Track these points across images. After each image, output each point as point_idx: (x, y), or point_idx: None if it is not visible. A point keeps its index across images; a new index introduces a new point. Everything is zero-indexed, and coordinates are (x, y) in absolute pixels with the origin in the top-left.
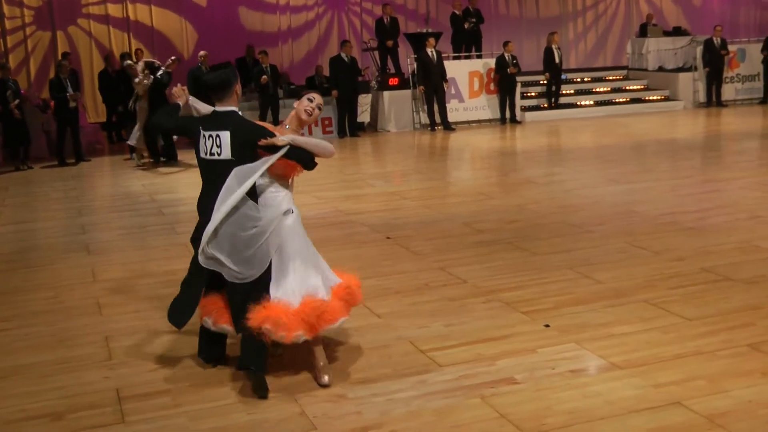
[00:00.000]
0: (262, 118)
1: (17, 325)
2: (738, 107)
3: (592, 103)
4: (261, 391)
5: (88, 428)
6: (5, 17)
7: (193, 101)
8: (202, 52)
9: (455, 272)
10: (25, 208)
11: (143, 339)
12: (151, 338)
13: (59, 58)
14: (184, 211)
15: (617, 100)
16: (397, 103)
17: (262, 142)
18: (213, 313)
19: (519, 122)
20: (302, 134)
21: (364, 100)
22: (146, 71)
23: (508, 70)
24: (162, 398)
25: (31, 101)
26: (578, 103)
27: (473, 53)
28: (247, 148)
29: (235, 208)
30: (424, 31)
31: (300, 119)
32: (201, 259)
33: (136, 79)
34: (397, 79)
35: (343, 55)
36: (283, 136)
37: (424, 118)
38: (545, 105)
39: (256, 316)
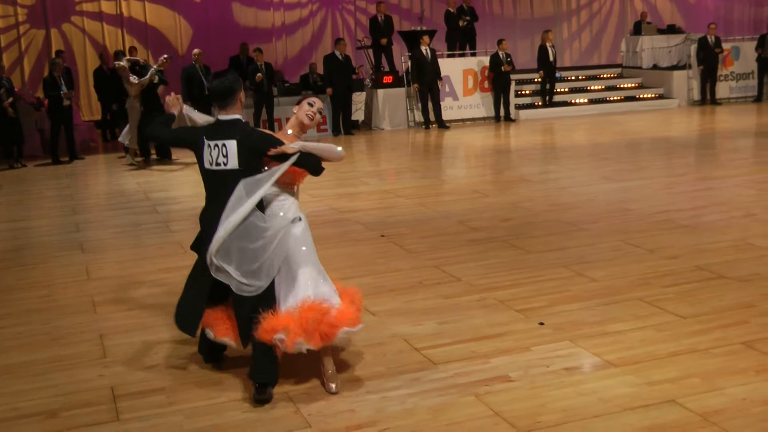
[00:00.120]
0: (257, 116)
1: (11, 324)
2: (732, 105)
3: (586, 101)
4: (263, 403)
5: (82, 426)
6: None
7: (188, 110)
8: (196, 50)
9: (449, 270)
10: (19, 207)
11: (138, 337)
12: (146, 336)
13: (53, 56)
14: (179, 210)
15: (611, 98)
16: (392, 101)
17: (272, 151)
18: (213, 326)
19: (513, 120)
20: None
21: (359, 98)
22: (133, 76)
23: (503, 68)
24: (156, 396)
25: (25, 99)
26: (572, 101)
27: (467, 51)
28: (255, 157)
29: (244, 219)
30: (419, 29)
31: (302, 124)
32: (212, 270)
33: (132, 79)
34: (391, 77)
35: (337, 53)
36: (292, 144)
37: (419, 116)
38: (539, 103)
39: (267, 328)
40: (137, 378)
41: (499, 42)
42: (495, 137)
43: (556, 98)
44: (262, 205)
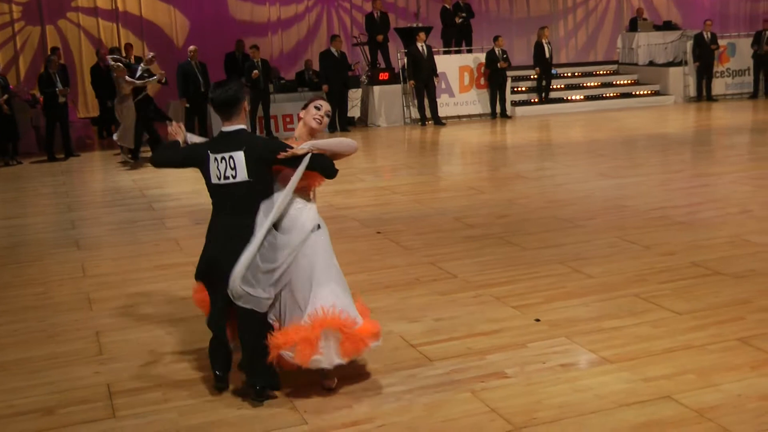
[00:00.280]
0: (253, 113)
1: (7, 321)
2: (728, 102)
3: (582, 97)
4: (259, 403)
5: (78, 423)
6: None
7: (191, 137)
8: (191, 47)
9: (445, 267)
10: (14, 204)
11: (134, 334)
12: (142, 333)
13: (48, 53)
14: (174, 207)
15: (607, 95)
16: (388, 98)
17: (282, 155)
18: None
19: (509, 117)
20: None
21: (355, 95)
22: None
23: (499, 64)
24: (152, 393)
25: (20, 96)
26: (568, 98)
27: (463, 48)
28: (264, 166)
29: (261, 243)
30: (415, 25)
31: (311, 128)
32: (239, 302)
33: (128, 78)
34: (387, 74)
35: (333, 49)
36: (303, 144)
37: (415, 113)
38: (535, 100)
39: (274, 345)
40: (133, 375)
41: (495, 38)
42: (491, 134)
43: (552, 95)
44: (280, 219)
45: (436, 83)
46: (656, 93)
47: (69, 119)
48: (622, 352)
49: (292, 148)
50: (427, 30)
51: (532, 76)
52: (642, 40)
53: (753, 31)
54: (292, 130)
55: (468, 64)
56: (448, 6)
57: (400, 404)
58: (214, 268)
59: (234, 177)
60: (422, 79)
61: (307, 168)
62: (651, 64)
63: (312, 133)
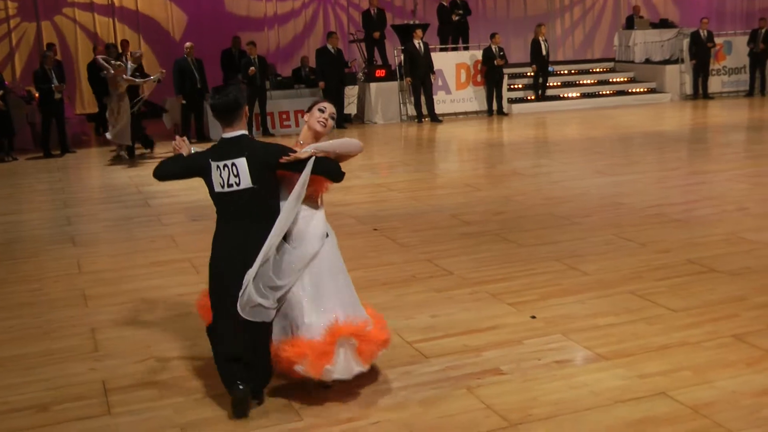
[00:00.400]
0: (250, 110)
1: (2, 318)
2: (724, 99)
3: (578, 95)
4: (243, 414)
5: (73, 420)
6: None
7: (195, 151)
8: (188, 44)
9: (442, 264)
10: (10, 200)
11: (129, 331)
12: (138, 330)
13: (45, 49)
14: (170, 203)
15: (604, 93)
16: (384, 95)
17: (284, 159)
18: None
19: (506, 114)
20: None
21: (351, 92)
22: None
23: (495, 61)
24: (148, 390)
25: (15, 92)
26: (565, 95)
27: (460, 45)
28: (267, 172)
29: (267, 256)
30: (411, 22)
31: (315, 131)
32: (247, 317)
33: (126, 77)
34: (384, 71)
35: (329, 46)
36: (306, 147)
37: (411, 110)
38: (532, 97)
39: (286, 356)
40: (129, 372)
41: (492, 36)
42: (487, 131)
43: (549, 92)
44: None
45: (432, 80)
46: (653, 91)
47: (65, 115)
48: (618, 349)
49: (295, 152)
50: (424, 27)
51: (528, 74)
52: (639, 38)
53: (749, 29)
54: (289, 126)
55: (465, 61)
56: (445, 3)
57: (395, 401)
58: (220, 278)
59: (238, 184)
60: (419, 76)
61: (312, 173)
62: (647, 61)
63: (317, 137)
